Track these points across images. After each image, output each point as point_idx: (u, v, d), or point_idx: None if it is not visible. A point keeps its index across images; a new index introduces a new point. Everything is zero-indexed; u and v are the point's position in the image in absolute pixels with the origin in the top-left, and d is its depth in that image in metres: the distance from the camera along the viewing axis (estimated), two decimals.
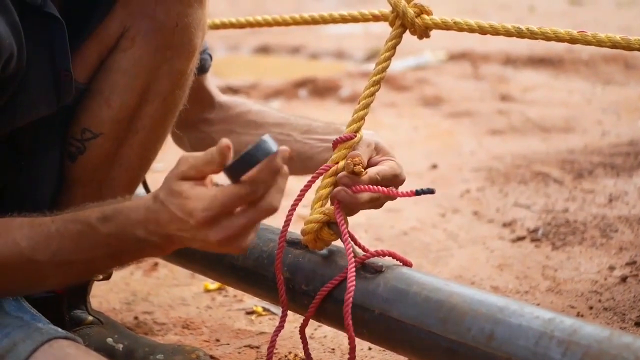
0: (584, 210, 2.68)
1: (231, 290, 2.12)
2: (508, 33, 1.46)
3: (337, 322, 1.41)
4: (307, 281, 1.44)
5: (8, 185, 1.47)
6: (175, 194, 1.14)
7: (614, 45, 1.36)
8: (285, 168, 1.15)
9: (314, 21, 1.73)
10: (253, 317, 1.99)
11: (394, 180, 1.44)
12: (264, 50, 6.67)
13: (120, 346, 1.65)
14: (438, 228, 2.61)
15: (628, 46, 1.36)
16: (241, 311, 2.02)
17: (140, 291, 2.15)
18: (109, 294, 2.11)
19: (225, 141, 1.14)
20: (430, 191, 1.34)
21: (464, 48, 5.86)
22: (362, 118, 1.48)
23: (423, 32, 1.51)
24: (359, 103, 1.49)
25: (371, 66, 1.51)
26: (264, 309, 2.01)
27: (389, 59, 1.51)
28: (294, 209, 1.44)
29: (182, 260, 1.79)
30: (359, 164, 1.40)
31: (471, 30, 1.49)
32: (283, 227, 1.45)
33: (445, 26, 1.51)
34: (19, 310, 1.30)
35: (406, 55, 5.50)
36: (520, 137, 3.83)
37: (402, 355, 1.36)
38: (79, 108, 1.49)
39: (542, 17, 7.97)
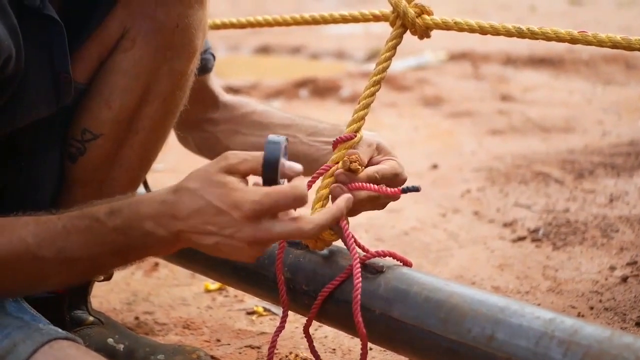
0: (585, 210, 2.68)
1: (232, 291, 2.12)
2: (509, 33, 1.46)
3: (338, 322, 1.41)
4: (307, 281, 1.44)
5: (8, 185, 1.47)
6: (218, 184, 1.16)
7: (615, 45, 1.36)
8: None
9: (314, 21, 1.73)
10: (254, 317, 1.99)
11: (395, 179, 1.44)
12: (264, 50, 6.68)
13: (121, 346, 1.65)
14: (438, 228, 2.61)
15: (629, 46, 1.36)
16: (242, 311, 2.02)
17: (141, 291, 2.15)
18: (110, 294, 2.11)
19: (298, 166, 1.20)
20: (416, 189, 1.35)
21: (464, 48, 5.86)
22: (363, 118, 1.48)
23: (424, 32, 1.51)
24: (359, 103, 1.49)
25: (371, 66, 1.51)
26: (265, 309, 2.01)
27: (389, 59, 1.51)
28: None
29: (183, 261, 1.79)
30: (355, 162, 1.40)
31: (472, 30, 1.49)
32: None
33: (445, 26, 1.51)
34: (19, 311, 1.30)
35: (406, 55, 5.50)
36: (520, 137, 3.83)
37: (403, 355, 1.36)
38: (79, 109, 1.49)
39: (542, 17, 7.97)
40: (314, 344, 1.50)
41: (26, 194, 1.49)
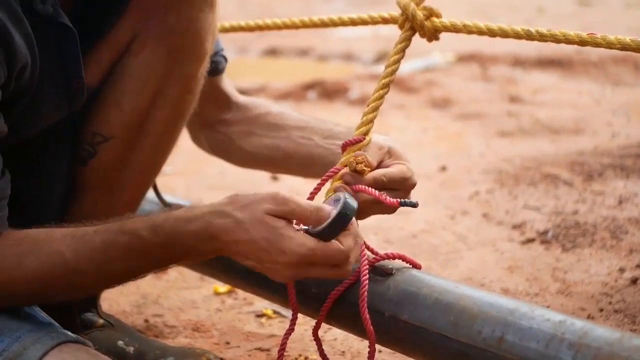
0: (594, 212, 2.67)
1: (241, 293, 2.12)
2: (517, 36, 1.46)
3: (347, 324, 1.41)
4: (317, 284, 1.44)
5: (18, 189, 1.47)
6: (267, 227, 1.20)
7: (624, 47, 1.36)
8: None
9: (323, 24, 1.73)
10: (263, 319, 1.99)
11: (403, 183, 1.44)
12: (272, 52, 6.68)
13: (131, 349, 1.65)
14: (447, 230, 2.61)
15: (638, 48, 1.36)
16: (251, 314, 2.03)
17: (151, 294, 2.15)
18: (119, 297, 2.12)
19: (328, 209, 1.24)
20: (413, 204, 1.36)
21: (472, 50, 5.85)
22: (371, 121, 1.48)
23: (432, 34, 1.51)
24: (368, 106, 1.49)
25: (380, 68, 1.51)
26: (274, 312, 2.02)
27: (398, 61, 1.51)
28: None
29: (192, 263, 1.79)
30: (361, 163, 1.40)
31: (480, 33, 1.49)
32: None
33: (454, 29, 1.50)
34: (30, 314, 1.31)
35: (414, 57, 5.49)
36: (529, 139, 3.83)
37: (413, 357, 1.36)
38: (89, 112, 1.50)
39: (550, 18, 7.95)
40: (323, 346, 1.50)
41: (37, 198, 1.50)
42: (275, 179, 3.17)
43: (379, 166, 1.45)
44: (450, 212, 2.77)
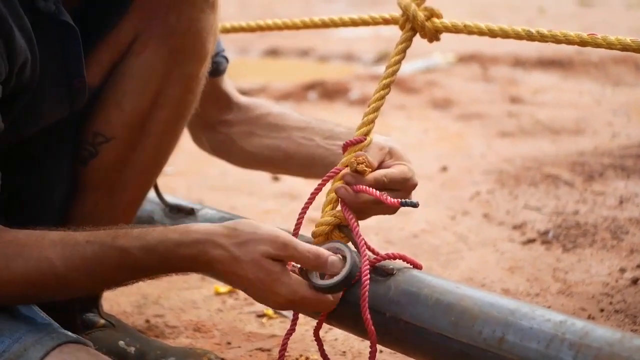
0: (595, 213, 2.67)
1: (242, 293, 2.12)
2: (518, 36, 1.46)
3: (348, 324, 1.41)
4: None
5: (19, 188, 1.47)
6: (262, 269, 1.23)
7: (625, 48, 1.36)
8: None
9: (324, 24, 1.73)
10: (264, 320, 2.00)
11: (404, 184, 1.44)
12: (273, 52, 6.68)
13: (132, 349, 1.66)
14: (448, 230, 2.61)
15: (638, 49, 1.36)
16: (252, 314, 2.03)
17: (151, 294, 2.16)
18: (120, 297, 2.12)
19: (332, 259, 1.28)
20: (414, 205, 1.37)
21: (473, 50, 5.85)
22: (372, 121, 1.48)
23: (433, 35, 1.51)
24: (369, 106, 1.49)
25: (380, 69, 1.51)
26: (275, 312, 2.02)
27: (399, 62, 1.51)
28: (305, 212, 1.44)
29: None
30: (362, 163, 1.40)
31: (481, 33, 1.49)
32: (294, 230, 1.45)
33: (455, 29, 1.50)
34: (30, 314, 1.31)
35: (415, 57, 5.49)
36: (530, 139, 3.83)
37: (414, 358, 1.36)
38: (91, 112, 1.50)
39: (551, 18, 7.95)
40: (324, 346, 1.50)
41: (37, 196, 1.50)
42: (276, 179, 3.18)
43: (379, 167, 1.45)
44: (451, 213, 2.77)
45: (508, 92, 4.84)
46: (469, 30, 1.50)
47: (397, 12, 1.56)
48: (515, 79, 5.23)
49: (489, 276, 2.22)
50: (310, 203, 1.44)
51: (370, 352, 1.36)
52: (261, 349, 1.83)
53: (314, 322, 1.46)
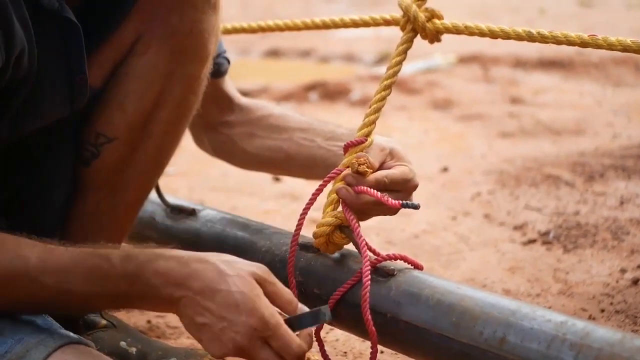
0: (595, 213, 2.68)
1: None
2: (519, 37, 1.46)
3: (349, 325, 1.42)
4: (319, 285, 1.44)
5: (20, 189, 1.48)
6: (248, 284, 1.22)
7: (625, 48, 1.36)
8: None
9: (325, 25, 1.74)
10: None
11: (405, 185, 1.44)
12: (274, 53, 6.68)
13: (134, 350, 1.66)
14: (449, 231, 2.61)
15: (639, 49, 1.36)
16: None
17: None
18: None
19: (303, 306, 1.28)
20: (415, 206, 1.37)
21: (473, 51, 5.85)
22: (373, 122, 1.48)
23: (434, 36, 1.52)
24: (370, 107, 1.49)
25: (381, 69, 1.51)
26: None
27: (400, 63, 1.51)
28: (306, 213, 1.44)
29: None
30: (363, 164, 1.40)
31: (482, 34, 1.49)
32: (295, 230, 1.46)
33: (456, 30, 1.51)
34: (32, 316, 1.31)
35: (416, 58, 5.49)
36: (531, 140, 3.83)
37: (414, 358, 1.36)
38: (93, 113, 1.50)
39: (552, 19, 7.95)
40: (325, 347, 1.51)
41: (37, 196, 1.50)
42: (277, 180, 3.18)
43: (380, 167, 1.45)
44: (452, 213, 2.77)
45: (509, 93, 4.84)
46: (469, 31, 1.50)
47: (397, 13, 1.56)
48: (515, 80, 5.24)
49: (490, 277, 2.22)
50: (312, 204, 1.45)
51: (371, 353, 1.36)
52: None
53: None
